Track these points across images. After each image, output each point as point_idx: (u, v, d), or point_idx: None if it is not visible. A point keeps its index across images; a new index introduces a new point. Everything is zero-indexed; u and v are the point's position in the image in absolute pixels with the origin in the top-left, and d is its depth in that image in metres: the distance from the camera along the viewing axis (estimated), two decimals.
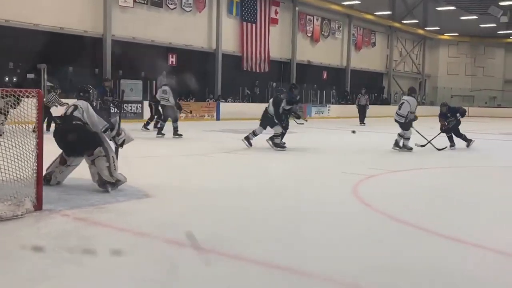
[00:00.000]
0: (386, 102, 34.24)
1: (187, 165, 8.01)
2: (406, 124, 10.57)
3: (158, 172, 7.10)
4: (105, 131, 5.61)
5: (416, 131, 10.74)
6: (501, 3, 31.56)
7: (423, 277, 3.32)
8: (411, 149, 10.68)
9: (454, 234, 4.23)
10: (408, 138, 10.74)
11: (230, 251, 3.66)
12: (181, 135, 12.10)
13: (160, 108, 12.89)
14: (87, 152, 5.47)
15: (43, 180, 4.92)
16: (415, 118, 10.71)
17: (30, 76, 16.52)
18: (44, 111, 13.97)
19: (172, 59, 22.21)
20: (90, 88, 5.99)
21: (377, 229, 4.47)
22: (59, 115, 5.79)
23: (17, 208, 4.38)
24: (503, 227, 4.63)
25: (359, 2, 30.59)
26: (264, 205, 5.30)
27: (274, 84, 27.13)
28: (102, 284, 3.08)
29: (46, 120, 13.35)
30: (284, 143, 10.53)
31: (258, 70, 25.99)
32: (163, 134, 12.17)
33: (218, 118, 21.78)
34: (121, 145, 5.78)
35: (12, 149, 4.55)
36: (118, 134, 5.70)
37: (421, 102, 34.48)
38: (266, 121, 10.55)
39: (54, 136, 5.65)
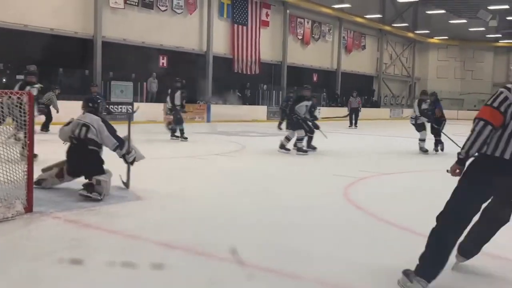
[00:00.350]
0: (376, 105, 34.43)
1: (178, 168, 8.00)
2: (417, 125, 11.11)
3: (148, 175, 7.07)
4: (115, 150, 5.56)
5: (443, 133, 10.96)
6: (490, 7, 31.89)
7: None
8: (426, 151, 10.95)
9: None
10: (422, 140, 11.10)
11: (220, 253, 3.67)
12: (186, 138, 12.05)
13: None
14: (94, 175, 5.32)
15: (35, 183, 4.89)
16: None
17: (20, 77, 16.41)
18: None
19: (163, 61, 22.17)
20: (99, 99, 5.96)
21: (368, 231, 4.51)
22: (72, 134, 5.56)
23: (8, 210, 4.36)
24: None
25: (350, 6, 30.75)
26: (254, 208, 5.31)
27: (265, 86, 27.20)
28: (94, 287, 3.08)
29: (44, 122, 13.40)
30: (310, 148, 10.40)
31: (249, 72, 26.01)
32: (178, 137, 12.10)
33: (208, 120, 21.78)
34: (132, 163, 5.74)
35: (2, 151, 4.53)
36: (128, 152, 5.66)
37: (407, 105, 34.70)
38: (291, 124, 10.41)
39: (67, 154, 5.54)
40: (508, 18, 35.75)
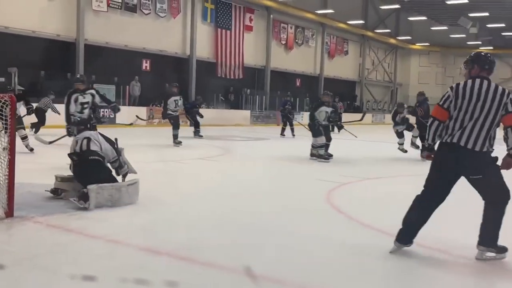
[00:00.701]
0: (359, 110, 34.69)
1: (162, 172, 7.95)
2: (398, 133, 11.59)
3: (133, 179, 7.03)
4: (112, 162, 5.53)
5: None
6: (471, 15, 32.42)
7: (400, 282, 3.38)
8: (417, 147, 11.13)
9: (426, 242, 4.32)
10: (415, 137, 11.34)
11: (204, 258, 3.66)
12: (180, 142, 12.00)
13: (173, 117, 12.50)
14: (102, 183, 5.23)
15: (51, 191, 4.99)
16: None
17: (1, 79, 16.18)
18: (39, 114, 13.82)
19: (146, 64, 22.09)
20: (92, 119, 6.00)
21: (349, 236, 4.53)
22: (73, 151, 5.51)
23: None
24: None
25: (333, 11, 31.01)
26: (237, 212, 5.30)
27: (249, 90, 27.23)
28: None
29: (36, 123, 13.25)
30: (328, 155, 10.18)
31: (232, 77, 26.04)
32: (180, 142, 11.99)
33: (192, 124, 21.63)
34: (124, 177, 5.73)
35: None
36: (121, 166, 5.66)
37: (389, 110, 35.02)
38: (312, 130, 10.21)
39: (73, 172, 5.43)
40: (488, 25, 36.40)
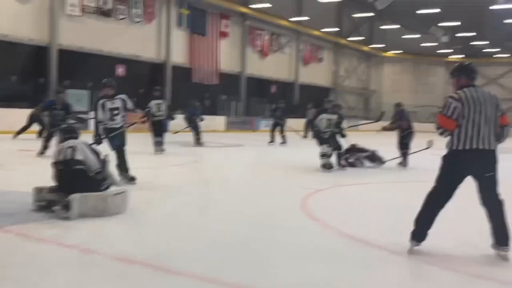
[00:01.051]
0: None
1: (138, 179, 7.88)
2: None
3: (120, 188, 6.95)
4: (95, 174, 5.33)
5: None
6: (442, 24, 33.14)
7: None
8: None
9: (397, 248, 4.39)
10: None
11: (178, 267, 3.65)
12: (163, 150, 11.62)
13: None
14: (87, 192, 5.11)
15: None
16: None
17: None
18: (31, 120, 13.60)
19: (121, 70, 21.89)
20: (76, 127, 5.82)
21: (325, 244, 4.56)
22: (56, 160, 5.32)
23: None
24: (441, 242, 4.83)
25: (307, 19, 31.30)
26: (211, 219, 5.30)
27: (224, 96, 27.24)
28: None
29: (25, 127, 13.16)
30: (340, 166, 9.83)
31: (208, 82, 26.01)
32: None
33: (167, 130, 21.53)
34: (106, 189, 5.50)
35: None
36: (104, 179, 5.45)
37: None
38: (317, 138, 9.80)
39: (56, 181, 5.28)
40: (459, 34, 37.24)
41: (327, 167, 9.43)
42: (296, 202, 6.26)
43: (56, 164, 5.31)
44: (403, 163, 10.76)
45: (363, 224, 5.33)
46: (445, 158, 4.10)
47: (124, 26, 21.57)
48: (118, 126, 7.14)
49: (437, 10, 29.77)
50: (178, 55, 24.35)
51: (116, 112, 7.12)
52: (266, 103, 30.14)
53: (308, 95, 32.19)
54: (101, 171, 5.42)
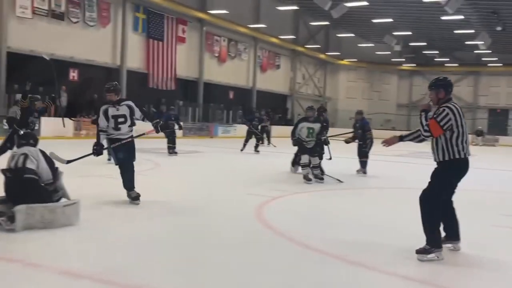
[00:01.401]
0: (290, 123, 35.29)
1: (87, 187, 7.66)
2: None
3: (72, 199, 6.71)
4: (47, 184, 5.09)
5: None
6: (395, 33, 34.04)
7: None
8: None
9: (351, 256, 4.42)
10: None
11: (127, 281, 3.55)
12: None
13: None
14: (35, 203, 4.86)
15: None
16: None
17: None
18: (10, 123, 12.96)
19: (74, 74, 21.38)
20: (34, 133, 5.53)
21: (277, 250, 4.55)
22: (6, 167, 5.07)
23: None
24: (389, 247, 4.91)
25: (265, 26, 31.51)
26: (165, 229, 5.21)
27: (181, 102, 27.00)
28: None
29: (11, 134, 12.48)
30: (331, 176, 9.54)
31: (164, 88, 25.73)
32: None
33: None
34: (57, 201, 5.26)
35: None
36: (56, 191, 5.20)
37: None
38: (299, 148, 9.55)
39: (4, 190, 5.02)
40: (411, 43, 38.37)
41: (306, 178, 9.16)
42: (251, 209, 6.24)
43: (5, 171, 5.08)
44: (363, 170, 10.94)
45: (317, 232, 5.36)
46: (446, 165, 4.38)
47: (77, 30, 21.07)
48: (124, 137, 6.36)
49: (390, 20, 30.57)
50: (134, 60, 24.00)
51: (121, 120, 6.34)
52: (224, 109, 30.11)
53: (265, 101, 32.38)
54: (53, 182, 5.21)
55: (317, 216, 6.45)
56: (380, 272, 4.07)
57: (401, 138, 4.88)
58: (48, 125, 17.40)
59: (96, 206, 6.08)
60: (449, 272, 4.21)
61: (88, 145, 12.80)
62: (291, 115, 37.47)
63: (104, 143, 6.44)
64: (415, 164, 14.65)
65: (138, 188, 6.56)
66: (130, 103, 6.49)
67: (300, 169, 9.94)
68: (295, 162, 10.67)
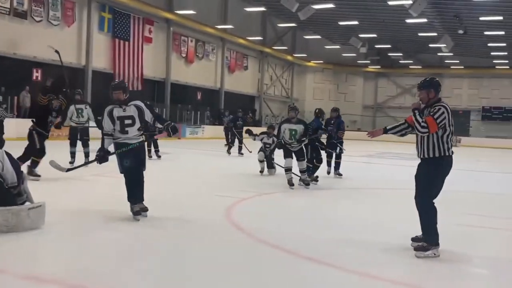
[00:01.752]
0: (258, 124, 35.41)
1: (55, 190, 7.50)
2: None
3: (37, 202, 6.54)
4: (10, 188, 4.88)
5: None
6: (361, 35, 34.56)
7: None
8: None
9: (321, 257, 4.46)
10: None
11: (95, 286, 3.49)
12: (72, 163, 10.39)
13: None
14: None
15: None
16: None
17: None
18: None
19: (37, 74, 20.87)
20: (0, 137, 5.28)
21: (246, 250, 4.56)
22: None
23: None
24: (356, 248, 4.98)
25: (232, 27, 31.50)
26: (133, 232, 5.14)
27: (148, 103, 26.65)
28: None
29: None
30: (308, 180, 8.96)
31: (131, 88, 25.28)
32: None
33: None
34: (21, 204, 5.02)
35: None
36: (20, 194, 4.99)
37: None
38: (284, 151, 8.87)
39: None
40: (376, 46, 39.02)
41: (289, 183, 8.68)
42: (221, 210, 6.23)
43: None
44: (337, 173, 10.86)
45: (285, 233, 5.39)
46: (433, 162, 4.54)
47: (40, 29, 20.59)
48: (132, 142, 5.72)
49: (356, 22, 31.02)
50: (100, 60, 23.61)
51: (128, 122, 5.67)
52: (191, 110, 29.94)
53: (234, 102, 32.35)
54: (17, 185, 5.04)
55: (283, 215, 6.48)
56: (349, 273, 4.12)
57: (386, 131, 5.10)
58: (11, 127, 16.90)
59: (64, 210, 5.94)
60: (423, 274, 4.30)
61: (54, 146, 12.54)
62: (259, 116, 37.58)
63: (111, 148, 5.85)
64: (381, 165, 14.86)
65: (105, 190, 6.44)
66: (139, 103, 5.83)
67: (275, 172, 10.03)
68: (271, 165, 10.82)
